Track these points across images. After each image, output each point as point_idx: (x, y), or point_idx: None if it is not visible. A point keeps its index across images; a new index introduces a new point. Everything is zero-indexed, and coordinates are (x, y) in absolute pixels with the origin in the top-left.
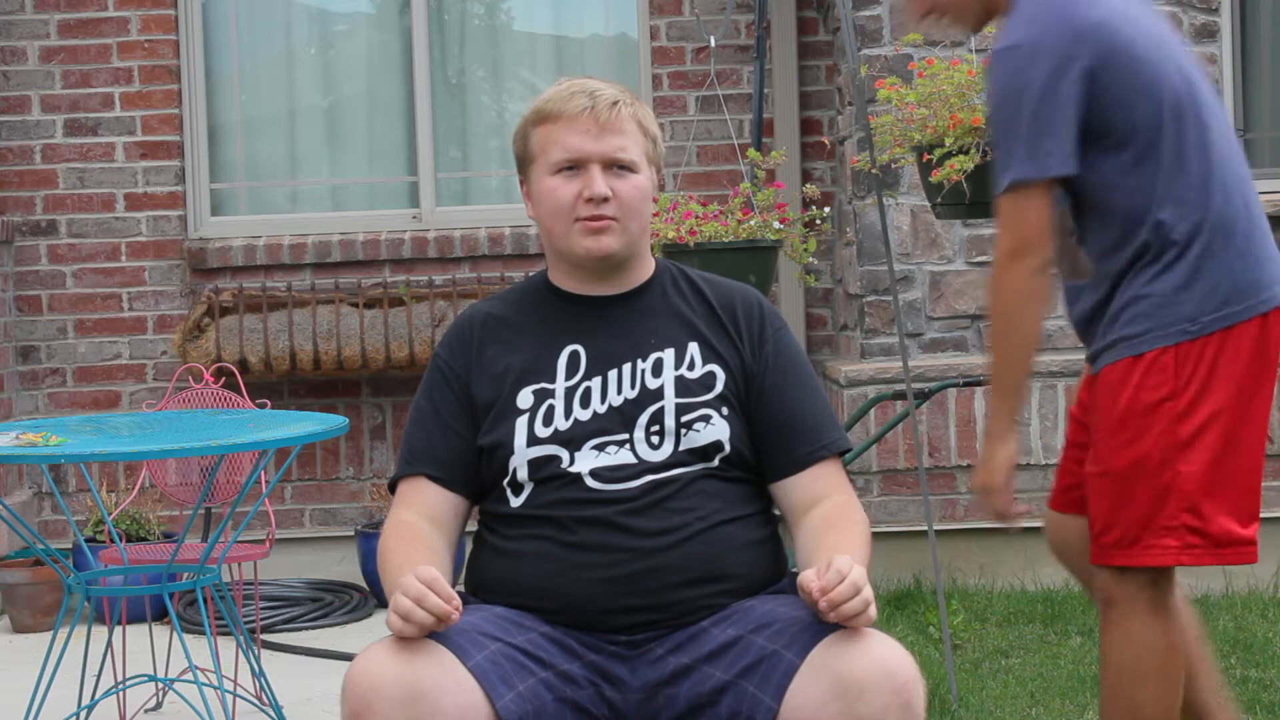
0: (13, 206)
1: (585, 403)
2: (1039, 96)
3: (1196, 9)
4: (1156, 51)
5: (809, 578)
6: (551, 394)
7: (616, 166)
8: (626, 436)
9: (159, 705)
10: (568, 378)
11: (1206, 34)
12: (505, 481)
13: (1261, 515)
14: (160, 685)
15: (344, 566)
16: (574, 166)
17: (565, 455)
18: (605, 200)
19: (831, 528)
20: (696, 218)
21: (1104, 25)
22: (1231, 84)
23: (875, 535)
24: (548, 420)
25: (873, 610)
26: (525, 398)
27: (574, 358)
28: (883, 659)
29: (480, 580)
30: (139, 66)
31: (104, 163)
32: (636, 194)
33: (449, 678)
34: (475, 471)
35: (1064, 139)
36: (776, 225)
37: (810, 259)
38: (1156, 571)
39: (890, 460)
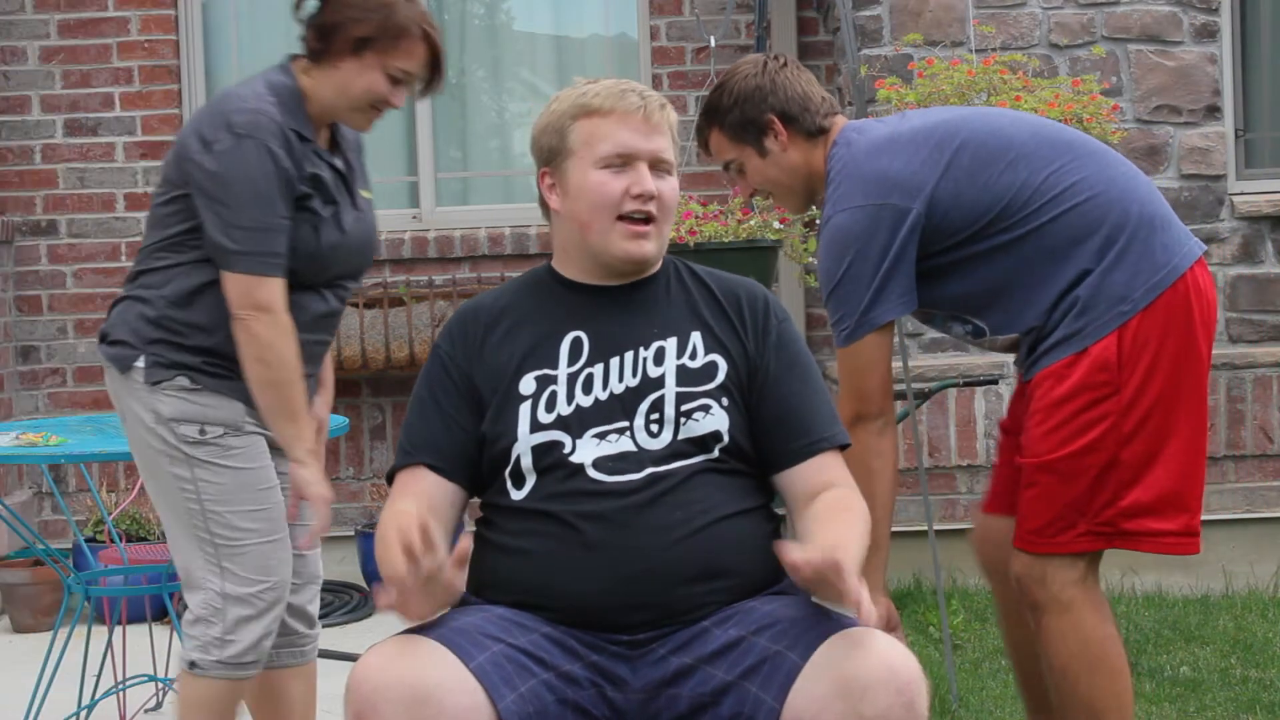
0: (13, 206)
1: (587, 388)
2: (878, 257)
3: (1196, 9)
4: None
5: (792, 554)
6: (554, 380)
7: (660, 168)
8: (626, 424)
9: (159, 705)
10: (570, 364)
11: (1206, 34)
12: (507, 471)
13: (1261, 515)
14: (160, 685)
15: (344, 566)
16: (624, 163)
17: (567, 442)
18: (652, 198)
19: (831, 512)
20: (696, 218)
21: (918, 175)
22: (1231, 84)
23: None
24: (550, 406)
25: (865, 604)
26: (528, 384)
27: (576, 344)
28: (887, 659)
29: (482, 578)
30: (139, 66)
31: (104, 163)
32: (674, 196)
33: (452, 679)
34: (475, 463)
35: (904, 286)
36: (776, 225)
37: (810, 259)
38: (1085, 563)
39: None
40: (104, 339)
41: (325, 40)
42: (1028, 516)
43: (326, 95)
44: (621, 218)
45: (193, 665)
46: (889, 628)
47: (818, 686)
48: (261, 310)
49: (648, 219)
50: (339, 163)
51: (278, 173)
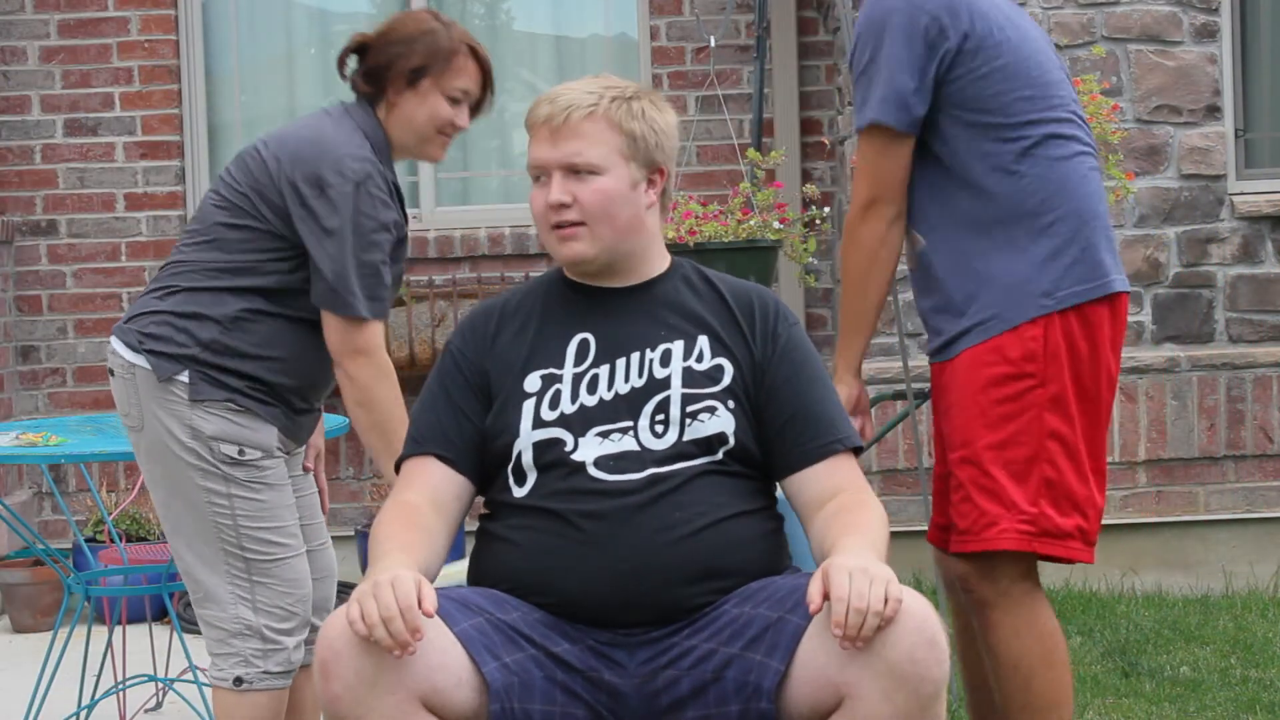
0: (13, 206)
1: (592, 389)
2: (910, 44)
3: (1196, 9)
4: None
5: (813, 596)
6: (559, 379)
7: (576, 171)
8: (630, 424)
9: (159, 705)
10: (576, 364)
11: (1206, 34)
12: (509, 468)
13: (1261, 515)
14: (160, 685)
15: (344, 566)
16: (540, 175)
17: (569, 440)
18: (564, 206)
19: (845, 511)
20: (696, 218)
21: (981, 11)
22: (1231, 84)
23: None
24: (554, 404)
25: (893, 595)
26: (533, 382)
27: (583, 345)
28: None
29: (480, 570)
30: (139, 66)
31: (104, 163)
32: (597, 196)
33: (426, 636)
34: (483, 456)
35: (925, 92)
36: (776, 225)
37: (810, 259)
38: (1029, 558)
39: (890, 460)
40: (140, 346)
41: (377, 82)
42: (958, 518)
43: (398, 133)
44: (552, 227)
45: (239, 681)
46: (854, 411)
47: (834, 641)
48: (362, 354)
49: (571, 223)
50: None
51: (386, 222)
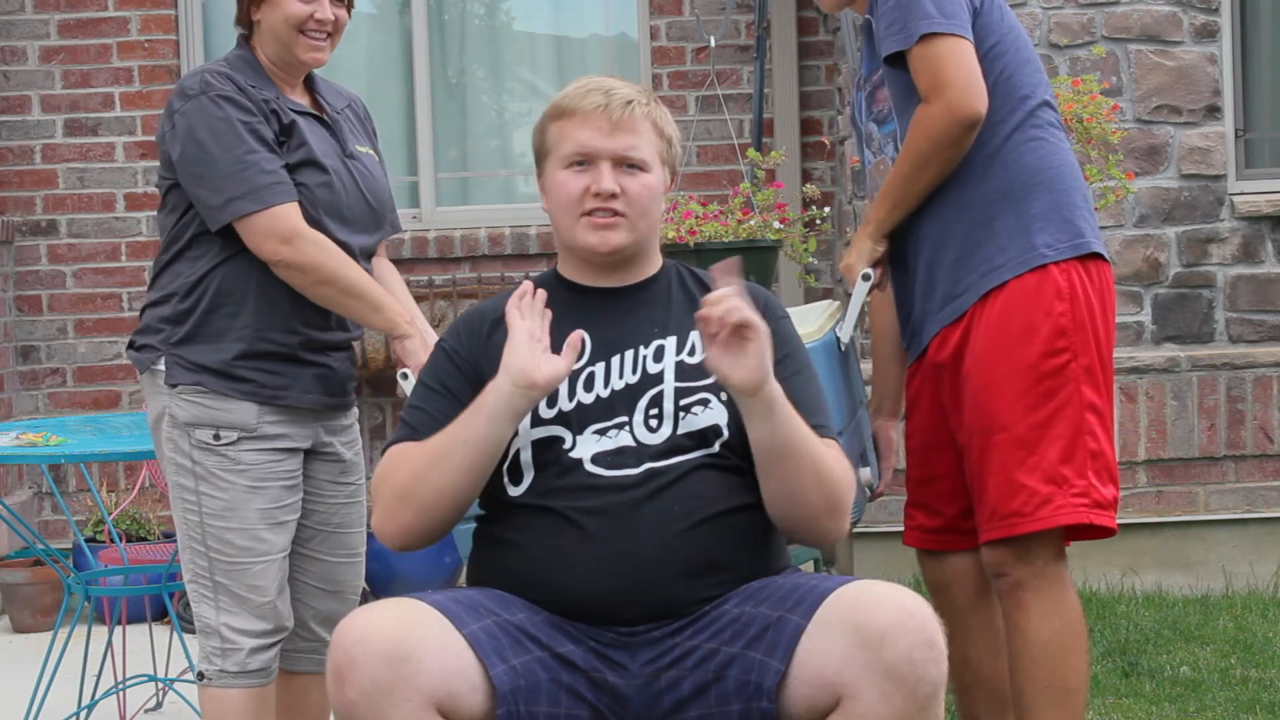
0: (13, 206)
1: (589, 386)
2: None
3: (1196, 9)
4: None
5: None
6: None
7: (627, 164)
8: (626, 419)
9: (159, 705)
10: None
11: (1206, 34)
12: (505, 467)
13: (1261, 515)
14: (160, 685)
15: None
16: (584, 161)
17: (568, 437)
18: (613, 196)
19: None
20: (696, 218)
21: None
22: (1231, 84)
23: (875, 535)
24: (551, 402)
25: (754, 321)
26: None
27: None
28: (898, 602)
29: (481, 570)
30: (139, 66)
31: (104, 163)
32: (645, 192)
33: (437, 641)
34: None
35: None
36: (776, 225)
37: (810, 259)
38: (1060, 537)
39: None
40: (130, 345)
41: (242, 12)
42: (998, 502)
43: (269, 49)
44: (586, 213)
45: (201, 676)
46: (877, 264)
47: (833, 642)
48: (287, 242)
49: (612, 213)
50: (319, 112)
51: (236, 113)
